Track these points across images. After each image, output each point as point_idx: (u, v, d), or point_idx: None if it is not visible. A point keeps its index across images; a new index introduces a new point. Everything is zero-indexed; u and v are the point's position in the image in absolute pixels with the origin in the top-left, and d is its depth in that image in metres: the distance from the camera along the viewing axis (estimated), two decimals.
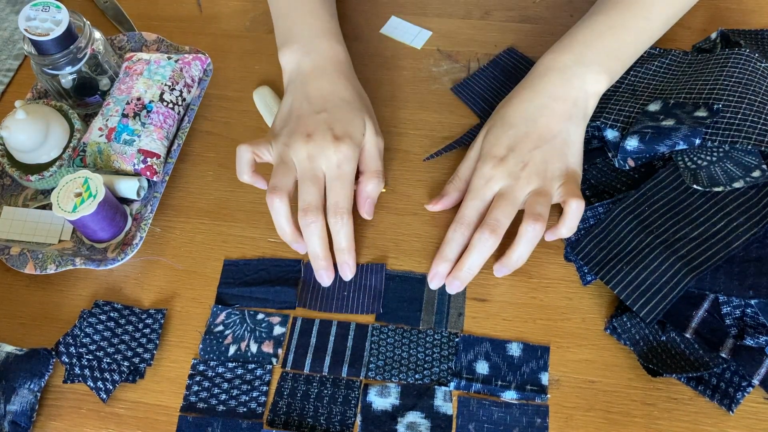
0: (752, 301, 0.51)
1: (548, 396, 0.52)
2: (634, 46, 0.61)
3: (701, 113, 0.58)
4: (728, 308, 0.52)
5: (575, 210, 0.54)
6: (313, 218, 0.55)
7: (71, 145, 0.63)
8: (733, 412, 0.50)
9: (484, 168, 0.57)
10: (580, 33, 0.60)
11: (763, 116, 0.56)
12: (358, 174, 0.59)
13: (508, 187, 0.56)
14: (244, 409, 0.53)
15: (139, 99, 0.63)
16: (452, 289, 0.56)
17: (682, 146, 0.56)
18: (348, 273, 0.57)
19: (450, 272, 0.56)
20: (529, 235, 0.53)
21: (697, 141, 0.56)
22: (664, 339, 0.52)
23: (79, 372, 0.54)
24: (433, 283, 0.57)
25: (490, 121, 0.61)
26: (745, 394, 0.50)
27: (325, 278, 0.57)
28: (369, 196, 0.59)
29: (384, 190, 0.62)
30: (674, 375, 0.50)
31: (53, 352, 0.55)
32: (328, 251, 0.57)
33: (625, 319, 0.53)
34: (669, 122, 0.58)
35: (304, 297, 0.58)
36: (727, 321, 0.52)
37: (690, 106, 0.59)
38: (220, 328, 0.57)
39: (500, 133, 0.58)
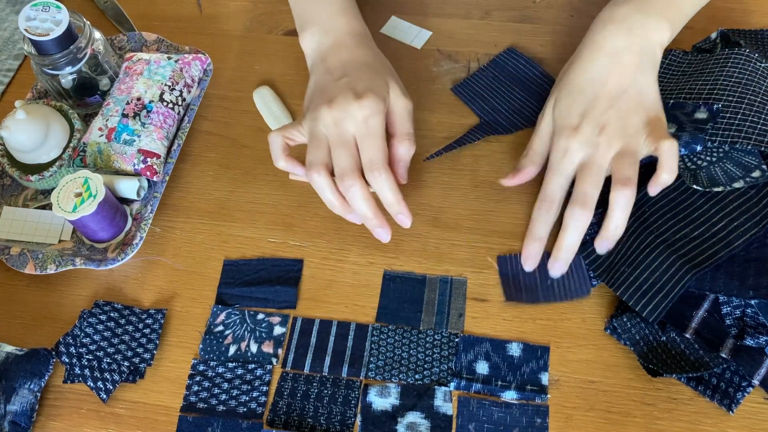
0: (752, 301, 0.51)
1: (548, 396, 0.52)
2: None
3: (701, 114, 0.58)
4: (728, 308, 0.52)
5: (668, 150, 0.52)
6: (350, 181, 0.53)
7: (71, 145, 0.63)
8: (733, 412, 0.50)
9: (560, 141, 0.56)
10: None
11: (763, 116, 0.56)
12: (388, 138, 0.58)
13: (589, 157, 0.54)
14: (244, 409, 0.53)
15: (139, 99, 0.63)
16: (556, 272, 0.55)
17: (683, 152, 0.56)
18: (406, 221, 0.55)
19: (548, 253, 0.55)
20: (622, 201, 0.52)
21: (699, 147, 0.56)
22: (664, 339, 0.52)
23: (79, 372, 0.54)
24: (528, 265, 0.56)
25: (556, 90, 0.59)
26: (745, 394, 0.50)
27: (383, 235, 0.56)
28: (401, 159, 0.58)
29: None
30: (674, 375, 0.50)
31: (53, 352, 0.55)
32: (377, 210, 0.55)
33: (625, 319, 0.53)
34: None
35: (509, 291, 0.56)
36: (727, 321, 0.52)
37: (689, 106, 0.59)
38: (220, 328, 0.57)
39: (569, 101, 0.57)
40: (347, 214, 0.57)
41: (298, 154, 0.59)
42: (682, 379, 0.51)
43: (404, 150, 0.58)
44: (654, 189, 0.54)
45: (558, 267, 0.55)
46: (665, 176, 0.53)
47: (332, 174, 0.55)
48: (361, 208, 0.54)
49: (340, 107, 0.55)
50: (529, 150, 0.60)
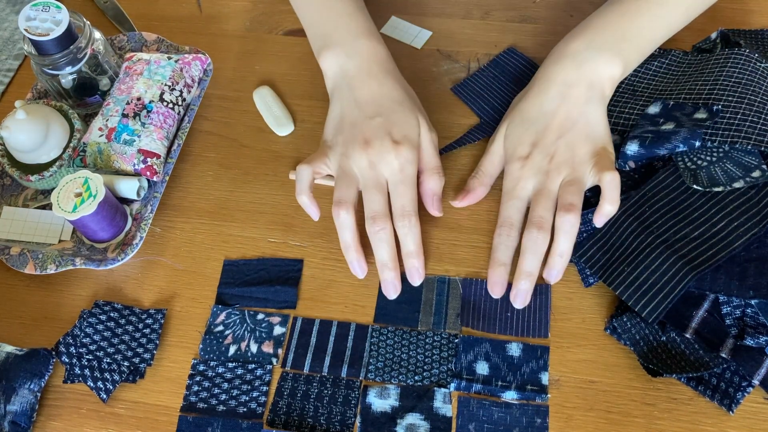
0: (752, 301, 0.51)
1: (548, 396, 0.52)
2: (650, 32, 0.60)
3: (701, 115, 0.58)
4: (728, 308, 0.52)
5: (610, 182, 0.54)
6: (381, 225, 0.55)
7: (71, 145, 0.63)
8: (733, 412, 0.50)
9: (512, 170, 0.58)
10: (593, 20, 0.60)
11: (763, 116, 0.56)
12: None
13: (541, 183, 0.56)
14: (244, 409, 0.53)
15: (139, 99, 0.63)
16: (519, 301, 0.55)
17: (682, 149, 0.56)
18: (417, 279, 0.56)
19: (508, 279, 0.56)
20: (566, 226, 0.53)
21: (697, 143, 0.56)
22: (664, 339, 0.52)
23: (79, 372, 0.54)
24: (495, 291, 0.56)
25: (509, 117, 0.61)
26: (745, 394, 0.50)
27: (391, 290, 0.56)
28: (435, 193, 0.59)
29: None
30: (674, 375, 0.50)
31: (53, 352, 0.55)
32: (396, 259, 0.56)
33: (625, 320, 0.53)
34: (669, 126, 0.57)
35: (466, 317, 0.56)
36: (728, 321, 0.52)
37: (690, 107, 0.59)
38: (220, 328, 0.57)
39: (521, 130, 0.59)
40: (355, 262, 0.57)
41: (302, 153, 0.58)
42: (682, 379, 0.51)
43: (435, 183, 0.59)
44: (599, 220, 0.55)
45: (521, 296, 0.55)
46: (608, 207, 0.54)
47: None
48: (384, 254, 0.56)
49: (376, 151, 0.56)
50: (478, 171, 0.61)
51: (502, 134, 0.60)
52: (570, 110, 0.57)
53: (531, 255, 0.54)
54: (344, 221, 0.56)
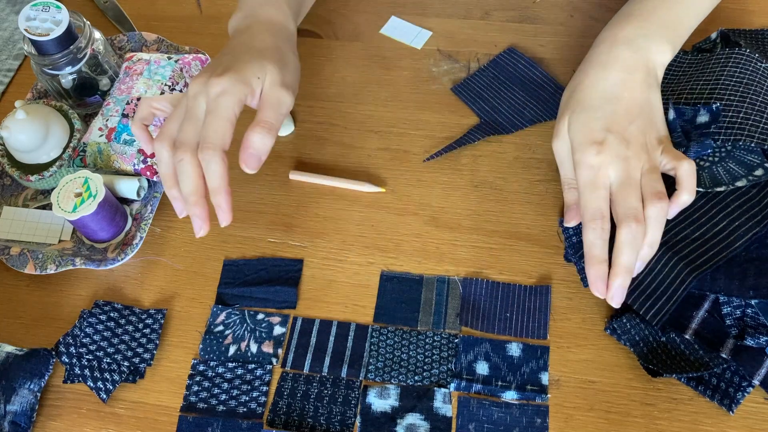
0: (753, 302, 0.51)
1: (548, 396, 0.52)
2: (687, 19, 0.60)
3: (702, 118, 0.58)
4: (729, 308, 0.52)
5: (689, 170, 0.52)
6: (182, 156, 0.51)
7: (71, 145, 0.64)
8: (733, 412, 0.50)
9: (586, 158, 0.53)
10: (634, 8, 0.60)
11: (765, 116, 0.56)
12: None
13: (623, 171, 0.52)
14: (244, 409, 0.53)
15: (139, 99, 0.63)
16: (617, 301, 0.51)
17: (692, 157, 0.56)
18: (224, 217, 0.52)
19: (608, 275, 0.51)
20: (657, 214, 0.51)
21: (709, 151, 0.56)
22: (663, 339, 0.52)
23: (79, 372, 0.54)
24: (599, 290, 0.51)
25: (567, 110, 0.56)
26: (746, 394, 0.50)
27: (197, 226, 0.53)
28: (250, 147, 0.52)
29: (383, 191, 0.62)
30: (674, 375, 0.50)
31: (53, 352, 0.55)
32: (201, 193, 0.52)
33: (624, 320, 0.53)
34: (675, 138, 0.57)
35: (466, 316, 0.56)
36: (728, 321, 0.52)
37: (690, 110, 0.58)
38: (220, 328, 0.57)
39: (587, 118, 0.55)
40: (175, 197, 0.54)
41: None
42: (682, 379, 0.51)
43: (257, 138, 0.52)
44: (674, 210, 0.53)
45: (618, 294, 0.51)
46: (686, 197, 0.52)
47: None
48: (185, 185, 0.52)
49: (200, 81, 0.53)
50: (563, 183, 0.58)
51: (565, 129, 0.56)
52: (634, 96, 0.55)
53: (629, 249, 0.50)
54: (160, 155, 0.53)
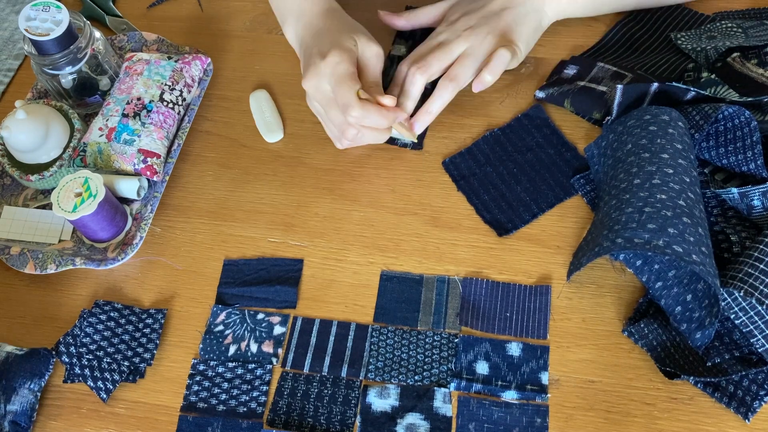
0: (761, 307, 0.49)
1: (548, 396, 0.52)
2: None
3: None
4: (737, 316, 0.51)
5: (499, 55, 0.60)
6: (350, 130, 0.59)
7: (71, 145, 0.64)
8: (749, 420, 0.49)
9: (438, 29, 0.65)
10: None
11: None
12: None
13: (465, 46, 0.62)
14: (244, 409, 0.53)
15: (139, 99, 0.63)
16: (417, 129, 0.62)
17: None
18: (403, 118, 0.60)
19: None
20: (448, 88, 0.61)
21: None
22: (681, 345, 0.51)
23: (79, 372, 0.54)
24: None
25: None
26: (763, 402, 0.49)
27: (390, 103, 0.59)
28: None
29: (415, 140, 0.64)
30: (691, 379, 0.49)
31: (53, 352, 0.55)
32: (380, 110, 0.58)
33: (642, 326, 0.52)
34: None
35: (465, 316, 0.56)
36: (743, 329, 0.50)
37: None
38: (220, 327, 0.57)
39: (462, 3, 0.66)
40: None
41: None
42: (699, 385, 0.51)
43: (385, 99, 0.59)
44: (477, 87, 0.61)
45: (419, 127, 0.61)
46: (487, 77, 0.61)
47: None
48: (370, 130, 0.59)
49: (312, 73, 0.58)
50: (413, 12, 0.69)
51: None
52: (506, 3, 0.63)
53: (439, 100, 0.61)
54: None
